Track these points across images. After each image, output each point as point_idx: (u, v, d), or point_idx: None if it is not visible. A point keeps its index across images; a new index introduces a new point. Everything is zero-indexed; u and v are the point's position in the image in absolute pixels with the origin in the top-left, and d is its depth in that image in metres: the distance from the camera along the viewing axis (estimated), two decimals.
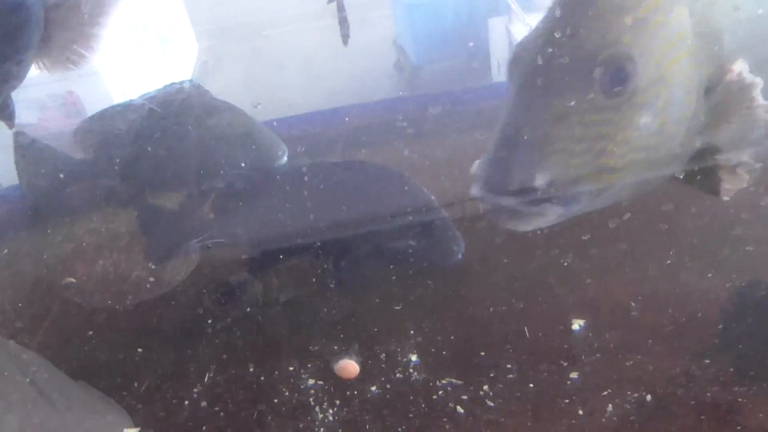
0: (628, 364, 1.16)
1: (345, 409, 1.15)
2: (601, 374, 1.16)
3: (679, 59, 0.80)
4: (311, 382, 1.21)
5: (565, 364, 1.18)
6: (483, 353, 1.24)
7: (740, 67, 0.84)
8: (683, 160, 0.90)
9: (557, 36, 0.81)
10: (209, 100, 1.63)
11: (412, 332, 1.29)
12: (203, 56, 3.82)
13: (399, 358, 1.24)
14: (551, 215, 0.83)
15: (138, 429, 1.12)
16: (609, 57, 0.76)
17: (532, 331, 1.25)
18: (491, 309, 1.30)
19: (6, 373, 1.22)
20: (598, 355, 1.19)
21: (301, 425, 1.13)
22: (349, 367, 1.02)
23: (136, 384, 1.21)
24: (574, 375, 1.16)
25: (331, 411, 1.15)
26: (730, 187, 0.93)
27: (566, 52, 0.79)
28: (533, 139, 0.79)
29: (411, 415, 1.14)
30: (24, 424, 1.12)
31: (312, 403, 1.17)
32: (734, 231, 1.31)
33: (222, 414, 1.16)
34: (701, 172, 0.94)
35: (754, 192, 0.96)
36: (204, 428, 1.13)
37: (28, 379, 1.21)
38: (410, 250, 1.35)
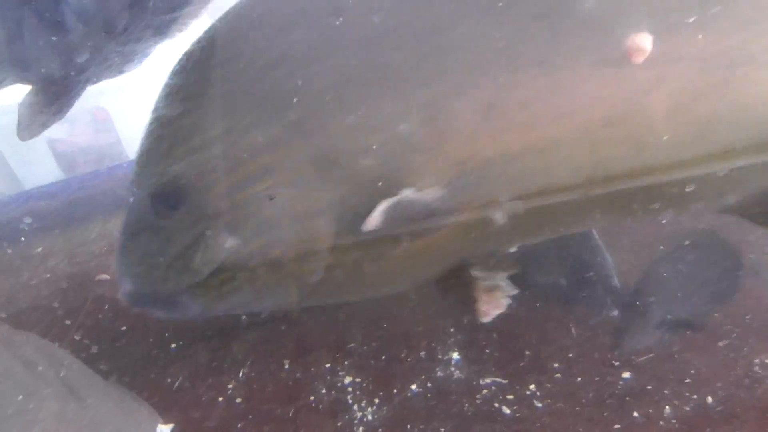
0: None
1: None
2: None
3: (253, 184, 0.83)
4: None
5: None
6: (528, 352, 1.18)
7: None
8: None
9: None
10: None
11: None
12: None
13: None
14: (167, 314, 0.99)
15: (172, 425, 1.08)
16: (157, 186, 0.88)
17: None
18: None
19: (39, 369, 1.20)
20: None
21: None
22: None
23: (169, 380, 1.18)
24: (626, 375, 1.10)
25: None
26: (486, 309, 0.88)
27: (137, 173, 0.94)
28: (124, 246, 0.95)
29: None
30: (58, 421, 1.10)
31: None
32: None
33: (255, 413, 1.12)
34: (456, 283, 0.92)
35: None
36: (239, 425, 1.09)
37: (61, 374, 1.19)
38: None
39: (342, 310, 1.31)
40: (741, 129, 0.72)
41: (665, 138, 0.71)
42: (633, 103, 0.71)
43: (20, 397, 1.13)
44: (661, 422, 1.02)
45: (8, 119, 1.85)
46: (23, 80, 1.18)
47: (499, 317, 1.28)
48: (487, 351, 1.21)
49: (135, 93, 2.68)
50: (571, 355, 1.15)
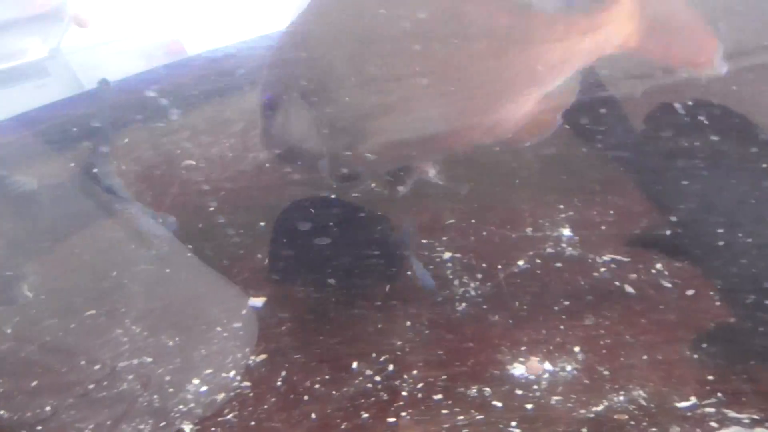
0: None
1: None
2: None
3: None
4: None
5: None
6: None
7: None
8: None
9: None
10: None
11: None
12: None
13: None
14: None
15: (264, 298, 1.04)
16: None
17: None
18: None
19: (133, 247, 1.19)
20: None
21: None
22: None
23: (258, 257, 1.13)
24: None
25: None
26: None
27: None
28: None
29: None
30: (149, 292, 1.09)
31: None
32: None
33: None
34: None
35: None
36: (334, 300, 1.03)
37: (155, 252, 1.18)
38: None
39: (434, 187, 1.20)
40: None
41: None
42: None
43: (114, 273, 1.14)
44: None
45: (84, 58, 1.80)
46: None
47: (614, 194, 1.13)
48: (603, 228, 1.07)
49: (207, 24, 2.59)
50: None
